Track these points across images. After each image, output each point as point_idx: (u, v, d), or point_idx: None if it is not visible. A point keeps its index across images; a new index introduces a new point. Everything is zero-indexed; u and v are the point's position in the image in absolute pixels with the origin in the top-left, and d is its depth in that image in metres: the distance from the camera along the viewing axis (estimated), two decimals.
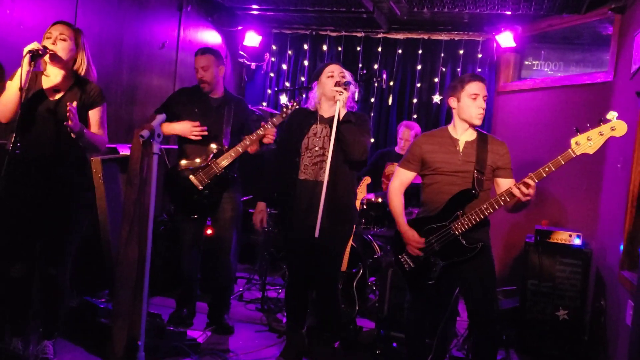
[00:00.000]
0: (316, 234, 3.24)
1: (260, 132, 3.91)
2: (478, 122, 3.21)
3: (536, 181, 2.93)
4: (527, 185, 2.92)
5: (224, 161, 3.99)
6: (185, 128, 3.96)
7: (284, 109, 3.90)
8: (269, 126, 3.91)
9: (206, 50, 4.14)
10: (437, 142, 3.28)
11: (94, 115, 3.30)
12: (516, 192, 2.95)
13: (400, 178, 3.40)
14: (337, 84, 3.45)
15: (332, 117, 3.38)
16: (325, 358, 3.85)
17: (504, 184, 3.21)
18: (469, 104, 3.18)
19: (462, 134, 3.26)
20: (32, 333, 3.38)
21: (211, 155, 4.01)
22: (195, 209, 4.07)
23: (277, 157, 3.79)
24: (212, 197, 4.04)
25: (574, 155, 2.89)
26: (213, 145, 4.02)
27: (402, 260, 3.33)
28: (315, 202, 3.37)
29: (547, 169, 2.93)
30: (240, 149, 3.97)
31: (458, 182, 3.19)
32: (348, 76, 3.61)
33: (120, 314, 2.44)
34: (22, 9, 3.73)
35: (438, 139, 3.30)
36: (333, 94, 3.46)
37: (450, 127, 3.32)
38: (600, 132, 2.86)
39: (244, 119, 4.24)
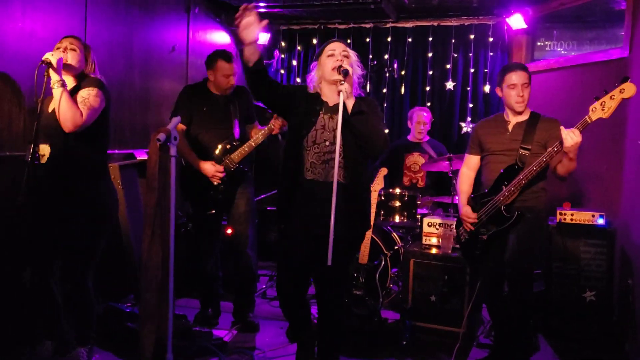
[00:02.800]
0: (329, 262, 2.77)
1: (270, 126, 3.98)
2: (519, 108, 3.47)
3: (580, 129, 3.08)
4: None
5: (237, 156, 4.04)
6: (209, 169, 3.99)
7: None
8: (271, 125, 3.98)
9: (232, 56, 4.14)
10: (490, 126, 3.63)
11: (80, 93, 3.17)
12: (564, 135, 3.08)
13: (467, 163, 3.75)
14: (336, 69, 2.95)
15: (337, 106, 2.88)
16: (350, 350, 3.84)
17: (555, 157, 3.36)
18: (509, 94, 3.47)
19: (514, 116, 3.53)
20: (67, 338, 3.40)
21: (224, 150, 4.06)
22: (212, 205, 4.10)
23: (285, 148, 3.24)
24: (226, 192, 4.08)
25: (590, 121, 3.09)
26: (224, 141, 4.06)
27: (461, 232, 3.71)
28: (325, 209, 2.83)
29: (580, 126, 3.11)
30: (253, 144, 4.03)
31: (506, 160, 3.45)
32: (353, 56, 3.10)
33: (147, 317, 2.46)
34: (33, 21, 3.76)
35: (492, 123, 3.64)
36: (333, 78, 2.98)
37: (505, 112, 3.61)
38: (611, 96, 3.05)
39: (248, 108, 4.26)
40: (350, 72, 2.97)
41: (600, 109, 3.06)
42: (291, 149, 3.11)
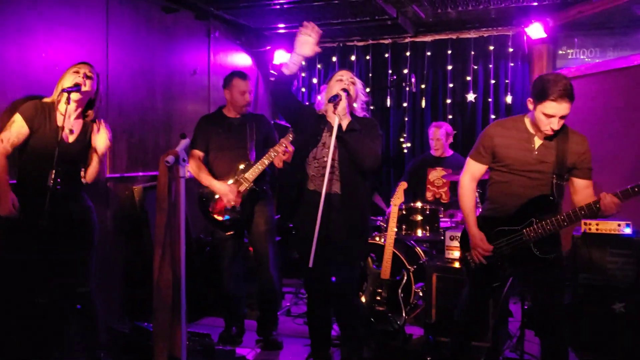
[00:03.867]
0: (310, 263, 3.07)
1: (281, 147, 3.97)
2: (546, 136, 2.98)
3: (621, 201, 2.81)
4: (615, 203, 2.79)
5: (252, 175, 4.09)
6: (225, 191, 4.06)
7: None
8: (284, 146, 3.95)
9: (247, 75, 4.28)
10: (511, 135, 3.05)
11: (101, 143, 3.42)
12: (603, 206, 2.82)
13: (471, 171, 3.20)
14: (331, 99, 3.25)
15: (340, 127, 3.27)
16: None
17: (580, 185, 3.02)
18: (541, 119, 2.91)
19: (538, 132, 3.02)
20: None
21: (239, 171, 4.10)
22: (231, 226, 4.14)
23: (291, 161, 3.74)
24: (244, 212, 4.12)
25: None
26: (240, 161, 4.13)
27: (469, 257, 3.19)
28: (330, 215, 3.24)
29: (636, 189, 2.77)
30: (266, 161, 4.08)
31: (530, 184, 3.00)
32: (358, 83, 3.47)
33: (160, 336, 2.50)
34: (56, 50, 3.90)
35: (513, 132, 3.05)
36: (330, 102, 3.28)
37: (527, 119, 3.06)
38: None
39: (267, 132, 4.33)
40: (352, 92, 3.35)
41: None
42: (297, 163, 3.51)
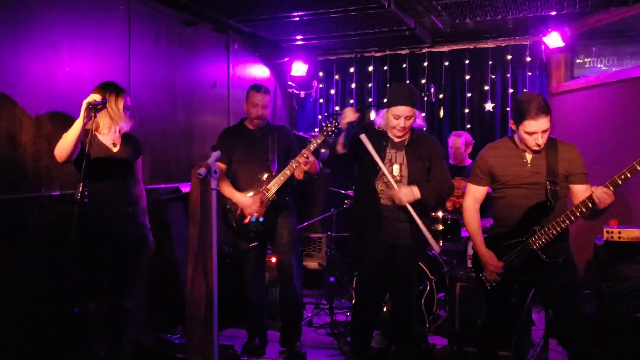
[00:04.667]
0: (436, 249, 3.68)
1: (302, 157, 4.01)
2: (534, 151, 3.12)
3: (612, 189, 2.87)
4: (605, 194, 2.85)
5: (274, 186, 4.11)
6: (247, 203, 4.10)
7: (324, 127, 4.05)
8: (305, 156, 3.99)
9: (266, 89, 4.31)
10: (503, 155, 3.22)
11: (138, 162, 3.67)
12: (596, 199, 2.88)
13: (473, 194, 3.35)
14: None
15: (403, 142, 3.63)
16: None
17: (579, 190, 3.12)
18: (526, 138, 3.08)
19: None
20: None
21: (262, 182, 4.14)
22: (254, 237, 4.17)
23: (359, 173, 3.82)
24: (267, 223, 4.14)
25: None
26: (262, 173, 4.15)
27: (484, 279, 3.28)
28: (396, 225, 3.60)
29: (622, 177, 2.86)
30: (288, 172, 4.09)
31: (529, 194, 3.12)
32: (419, 120, 3.68)
33: (193, 348, 2.52)
34: (79, 64, 3.96)
35: (504, 151, 3.23)
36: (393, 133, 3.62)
37: (516, 138, 3.22)
38: None
39: (288, 143, 4.36)
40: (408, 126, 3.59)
41: None
42: (365, 179, 3.68)
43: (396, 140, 3.65)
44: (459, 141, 5.41)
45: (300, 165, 4.01)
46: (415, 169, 3.61)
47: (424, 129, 3.86)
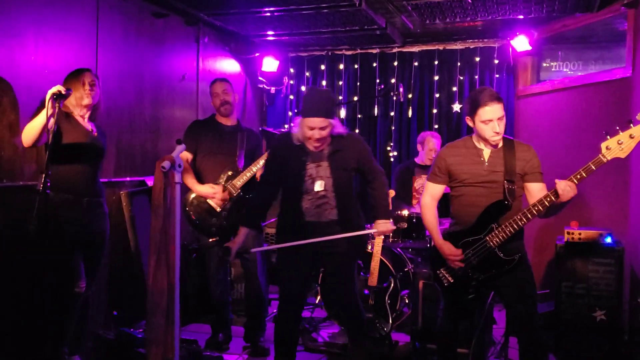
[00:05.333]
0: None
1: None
2: (496, 143, 3.17)
3: (576, 183, 2.92)
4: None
5: (239, 182, 4.12)
6: (210, 193, 4.11)
7: None
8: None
9: (222, 78, 4.37)
10: (461, 154, 3.26)
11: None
12: (560, 190, 2.93)
13: (431, 192, 3.39)
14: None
15: (324, 153, 3.43)
16: None
17: (534, 189, 3.17)
18: (483, 128, 3.12)
19: (487, 144, 3.21)
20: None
21: (226, 177, 4.14)
22: (216, 232, 4.16)
23: (267, 191, 3.65)
24: (230, 219, 4.13)
25: (605, 161, 2.88)
26: (228, 168, 4.16)
27: (441, 275, 3.31)
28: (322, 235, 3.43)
29: (578, 176, 2.92)
30: (254, 168, 4.12)
31: (485, 193, 3.17)
32: (339, 127, 3.45)
33: (153, 341, 2.50)
34: (45, 54, 3.89)
35: (462, 150, 3.27)
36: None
37: (474, 137, 3.28)
38: (631, 135, 2.83)
39: (255, 146, 4.39)
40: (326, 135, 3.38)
41: (617, 148, 2.83)
42: (288, 194, 3.52)
43: (316, 151, 3.45)
44: (437, 143, 5.45)
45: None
46: (339, 181, 3.46)
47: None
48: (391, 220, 3.65)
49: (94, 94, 3.48)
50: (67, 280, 3.43)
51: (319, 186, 3.42)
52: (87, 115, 3.54)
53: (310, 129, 3.32)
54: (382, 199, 3.64)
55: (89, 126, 3.54)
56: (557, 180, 2.95)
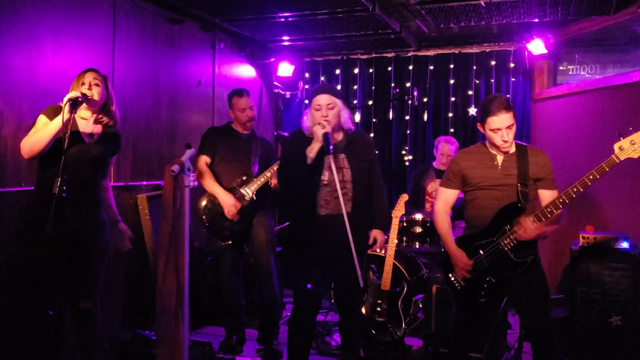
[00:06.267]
0: (360, 284, 3.27)
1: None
2: (506, 151, 3.20)
3: (582, 190, 2.92)
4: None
5: (253, 187, 4.18)
6: (228, 202, 4.12)
7: None
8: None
9: (246, 91, 4.42)
10: (475, 158, 3.29)
11: (112, 159, 3.58)
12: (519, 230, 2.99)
13: (444, 198, 3.39)
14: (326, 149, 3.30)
15: (340, 144, 3.47)
16: None
17: (546, 195, 3.19)
18: (493, 136, 3.17)
19: (498, 150, 3.23)
20: None
21: (241, 182, 4.21)
22: (229, 236, 4.20)
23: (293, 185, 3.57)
24: (243, 223, 4.17)
25: (617, 161, 2.88)
26: (243, 173, 4.23)
27: (453, 279, 3.32)
28: (338, 235, 3.33)
29: (591, 177, 2.91)
30: (268, 174, 4.20)
31: (499, 196, 3.17)
32: (339, 104, 3.44)
33: (163, 342, 2.54)
34: (63, 59, 3.96)
35: (476, 155, 3.30)
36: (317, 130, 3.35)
37: (487, 143, 3.30)
38: None
39: (268, 155, 4.46)
40: (331, 120, 3.38)
41: (630, 148, 2.83)
42: (307, 191, 3.46)
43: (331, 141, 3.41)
44: (451, 149, 5.43)
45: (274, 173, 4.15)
46: (357, 171, 3.49)
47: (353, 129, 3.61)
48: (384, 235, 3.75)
49: (95, 93, 3.31)
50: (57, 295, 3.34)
51: (341, 176, 3.41)
52: (91, 118, 3.39)
53: (318, 109, 3.38)
54: (380, 209, 3.70)
55: (90, 129, 3.38)
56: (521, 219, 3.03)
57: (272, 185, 4.27)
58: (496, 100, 3.14)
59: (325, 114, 3.37)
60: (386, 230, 3.70)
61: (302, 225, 3.51)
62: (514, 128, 3.16)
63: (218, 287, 4.47)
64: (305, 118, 3.53)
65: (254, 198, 4.18)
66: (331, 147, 3.28)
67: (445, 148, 5.43)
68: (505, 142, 3.14)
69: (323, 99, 3.39)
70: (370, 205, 3.63)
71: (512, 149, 3.24)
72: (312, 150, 3.33)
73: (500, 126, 3.11)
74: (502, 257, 3.14)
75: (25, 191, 3.64)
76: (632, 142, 2.83)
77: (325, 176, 3.42)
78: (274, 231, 4.40)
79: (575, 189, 2.93)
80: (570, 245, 4.37)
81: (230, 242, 4.21)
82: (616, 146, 2.86)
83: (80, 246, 3.34)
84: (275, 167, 4.16)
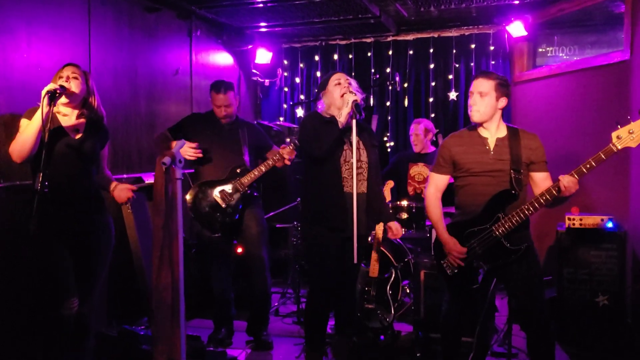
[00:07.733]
0: (355, 259, 3.26)
1: (282, 152, 3.99)
2: (472, 118, 3.19)
3: (577, 178, 2.91)
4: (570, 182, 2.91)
5: (247, 180, 4.07)
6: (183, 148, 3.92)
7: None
8: (291, 147, 3.97)
9: (226, 87, 4.19)
10: (465, 143, 3.23)
11: (104, 152, 3.45)
12: (562, 186, 2.91)
13: (436, 183, 3.33)
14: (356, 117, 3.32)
15: (349, 127, 3.38)
16: None
17: (539, 178, 3.17)
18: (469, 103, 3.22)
19: (489, 131, 3.19)
20: None
21: (234, 174, 4.10)
22: (219, 228, 4.13)
23: (316, 168, 3.64)
24: (234, 215, 4.10)
25: (615, 150, 2.85)
26: (236, 165, 4.10)
27: (445, 265, 3.27)
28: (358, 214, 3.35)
29: (587, 165, 2.90)
30: (263, 169, 4.07)
31: (492, 182, 3.13)
32: (354, 83, 3.65)
33: (160, 338, 2.48)
34: (38, 51, 3.84)
35: (467, 139, 3.24)
36: (342, 103, 3.50)
37: (478, 126, 3.24)
38: None
39: (261, 139, 4.36)
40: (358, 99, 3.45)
41: (628, 137, 2.80)
42: (330, 167, 3.57)
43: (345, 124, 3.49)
44: (418, 128, 5.41)
45: (284, 157, 4.00)
46: (372, 153, 3.68)
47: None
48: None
49: (74, 85, 3.17)
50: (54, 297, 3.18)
51: (358, 155, 3.54)
52: (73, 114, 3.25)
53: (338, 83, 3.58)
54: (384, 199, 3.89)
55: (73, 124, 3.25)
56: (560, 177, 2.92)
57: (278, 166, 4.10)
58: (482, 70, 3.24)
59: (347, 85, 3.57)
60: (393, 219, 3.86)
61: (325, 200, 3.58)
62: (487, 99, 3.12)
63: (203, 280, 4.40)
64: (321, 102, 3.67)
65: (248, 191, 4.10)
66: (361, 116, 3.36)
67: (414, 128, 5.43)
68: (470, 106, 3.17)
69: (342, 75, 3.64)
70: (380, 190, 3.81)
71: (504, 132, 3.20)
72: (342, 115, 3.45)
73: (473, 90, 3.16)
74: (496, 245, 3.10)
75: (4, 187, 3.54)
76: (631, 131, 2.80)
77: (344, 154, 3.55)
78: (265, 222, 4.33)
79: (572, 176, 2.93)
80: (555, 227, 4.40)
81: (218, 234, 4.13)
82: (614, 135, 2.83)
83: (83, 251, 3.24)
84: (270, 162, 4.04)
